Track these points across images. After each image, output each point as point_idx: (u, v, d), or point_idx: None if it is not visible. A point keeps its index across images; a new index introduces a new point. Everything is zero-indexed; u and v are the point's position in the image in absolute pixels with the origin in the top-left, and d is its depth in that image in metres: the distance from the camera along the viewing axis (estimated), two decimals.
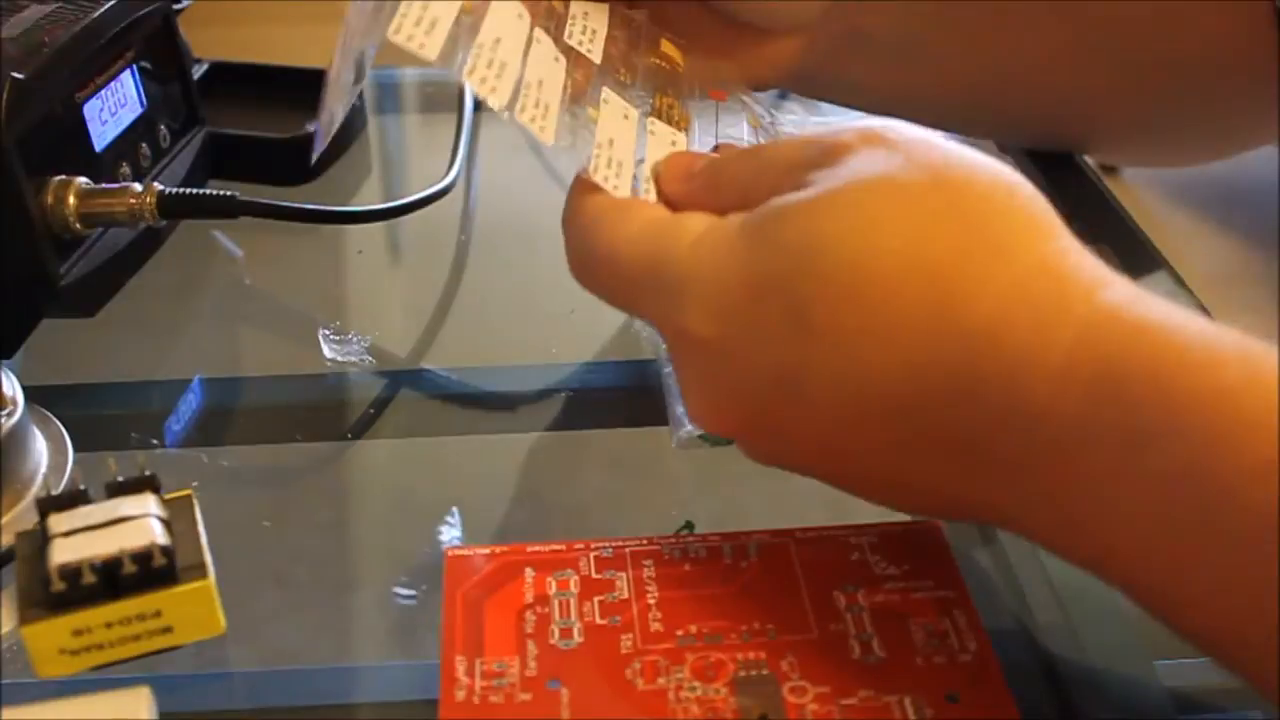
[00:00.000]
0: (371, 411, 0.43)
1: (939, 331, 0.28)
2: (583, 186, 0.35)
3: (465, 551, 0.33)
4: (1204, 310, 0.44)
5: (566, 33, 0.38)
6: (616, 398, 0.43)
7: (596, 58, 0.39)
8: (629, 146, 0.36)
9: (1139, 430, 0.26)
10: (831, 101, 0.48)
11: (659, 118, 0.39)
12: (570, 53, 0.38)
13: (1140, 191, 0.55)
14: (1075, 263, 0.29)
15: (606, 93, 0.38)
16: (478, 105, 0.57)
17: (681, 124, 0.39)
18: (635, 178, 0.36)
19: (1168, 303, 0.28)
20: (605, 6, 0.40)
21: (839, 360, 0.29)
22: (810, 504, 0.35)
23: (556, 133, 0.35)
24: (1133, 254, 0.47)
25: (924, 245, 0.28)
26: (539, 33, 0.37)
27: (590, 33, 0.39)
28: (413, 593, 0.34)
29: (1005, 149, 0.52)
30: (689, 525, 0.35)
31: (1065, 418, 0.27)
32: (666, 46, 0.41)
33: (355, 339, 0.45)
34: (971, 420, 0.28)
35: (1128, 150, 0.53)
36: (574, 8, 0.39)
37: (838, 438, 0.30)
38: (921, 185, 0.29)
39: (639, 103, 0.39)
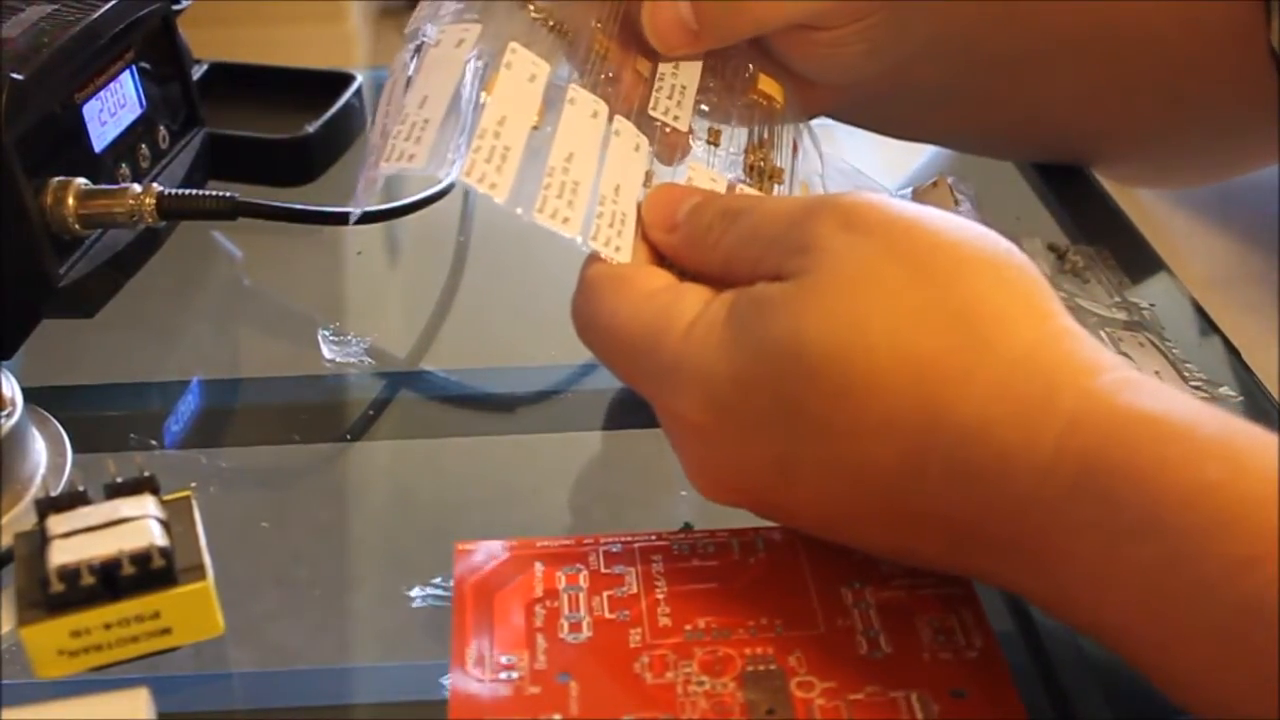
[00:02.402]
0: (370, 413, 0.42)
1: (927, 427, 0.28)
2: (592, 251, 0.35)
3: (475, 545, 0.33)
4: (1201, 313, 0.45)
5: (652, 102, 0.38)
6: (616, 399, 0.42)
7: (684, 124, 0.38)
8: None
9: (1122, 524, 0.26)
10: (868, 129, 0.49)
11: (750, 174, 0.39)
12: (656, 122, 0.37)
13: (1139, 192, 0.55)
14: (1065, 349, 0.29)
15: (691, 166, 0.37)
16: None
17: (775, 177, 0.39)
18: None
19: (1157, 386, 0.28)
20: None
21: (831, 452, 0.29)
22: None
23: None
24: (1132, 255, 0.47)
25: (909, 343, 0.29)
26: (619, 121, 0.36)
27: (679, 92, 0.38)
28: (441, 592, 0.34)
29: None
30: (687, 526, 0.35)
31: (1051, 507, 0.27)
32: (765, 84, 0.40)
33: (354, 340, 0.45)
34: (962, 505, 0.28)
35: (1134, 172, 0.54)
36: (663, 65, 0.38)
37: (835, 516, 0.31)
38: (903, 281, 0.29)
39: (728, 165, 0.39)
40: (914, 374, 0.28)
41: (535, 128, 0.34)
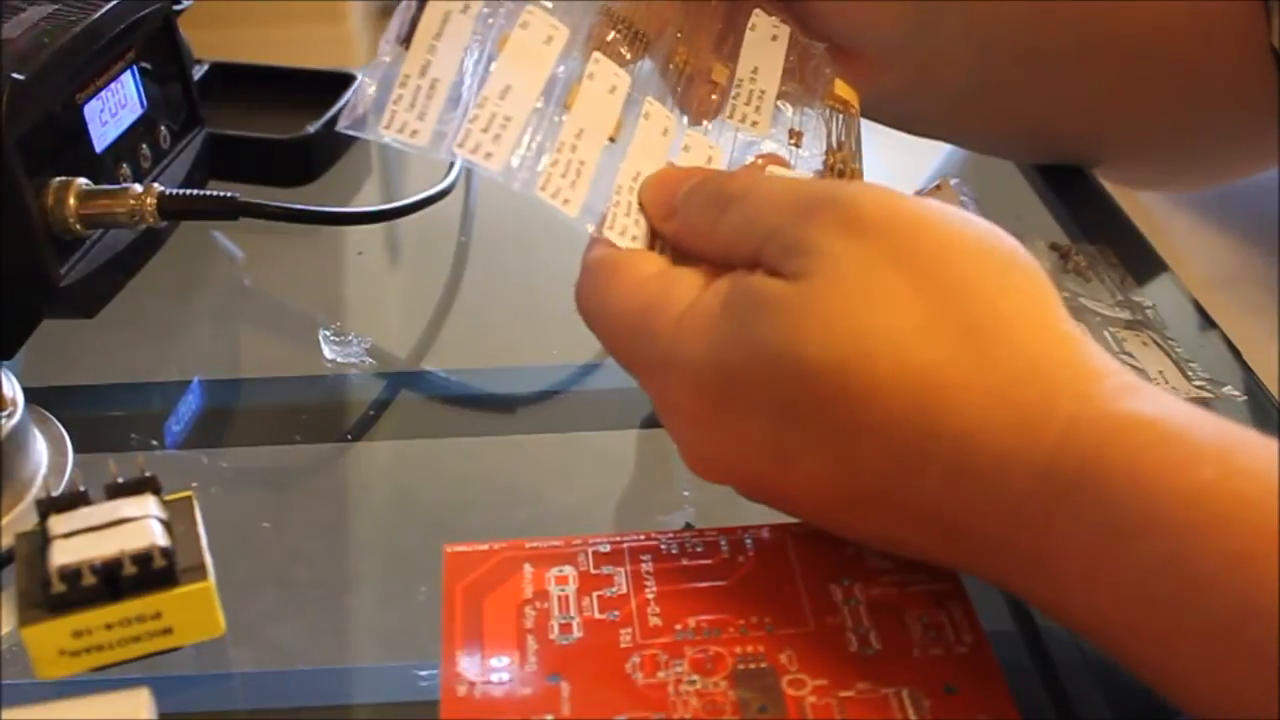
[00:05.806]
0: (371, 413, 0.43)
1: (925, 432, 0.28)
2: (596, 236, 0.35)
3: (464, 548, 0.33)
4: (1202, 312, 0.45)
5: (729, 109, 0.37)
6: (616, 399, 0.43)
7: (764, 128, 0.38)
8: None
9: (1119, 523, 0.27)
10: (893, 127, 0.48)
11: (830, 174, 0.38)
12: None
13: (1141, 193, 0.55)
14: (1065, 355, 0.29)
15: (689, 134, 0.37)
16: None
17: (857, 178, 0.39)
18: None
19: (1154, 391, 0.28)
20: (780, 57, 0.38)
21: (827, 446, 0.29)
22: None
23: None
24: (1133, 255, 0.47)
25: (910, 352, 0.29)
26: (649, 104, 0.36)
27: (757, 98, 0.38)
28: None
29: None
30: (689, 527, 0.35)
31: (1047, 508, 0.28)
32: (841, 89, 0.40)
33: (355, 340, 0.45)
34: (958, 503, 0.29)
35: (1137, 174, 0.54)
36: (741, 68, 0.38)
37: (828, 502, 0.31)
38: (907, 291, 0.29)
39: (810, 165, 0.38)
40: (914, 382, 0.29)
41: (612, 139, 0.34)
